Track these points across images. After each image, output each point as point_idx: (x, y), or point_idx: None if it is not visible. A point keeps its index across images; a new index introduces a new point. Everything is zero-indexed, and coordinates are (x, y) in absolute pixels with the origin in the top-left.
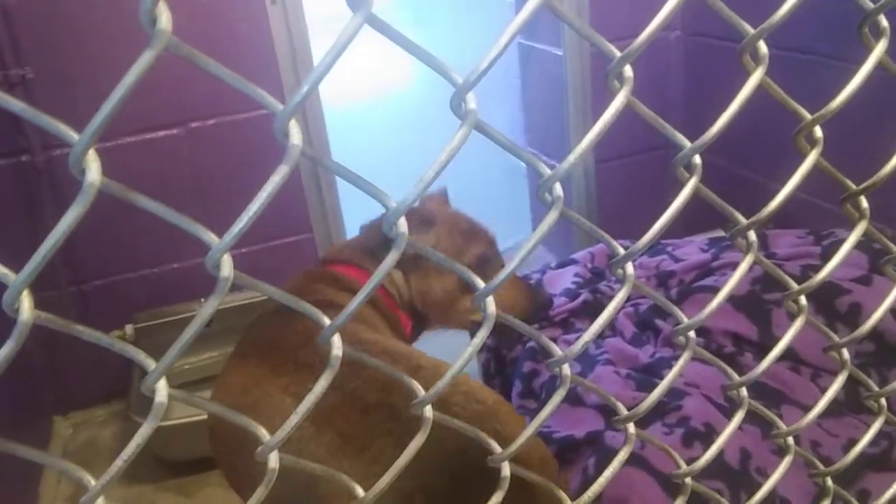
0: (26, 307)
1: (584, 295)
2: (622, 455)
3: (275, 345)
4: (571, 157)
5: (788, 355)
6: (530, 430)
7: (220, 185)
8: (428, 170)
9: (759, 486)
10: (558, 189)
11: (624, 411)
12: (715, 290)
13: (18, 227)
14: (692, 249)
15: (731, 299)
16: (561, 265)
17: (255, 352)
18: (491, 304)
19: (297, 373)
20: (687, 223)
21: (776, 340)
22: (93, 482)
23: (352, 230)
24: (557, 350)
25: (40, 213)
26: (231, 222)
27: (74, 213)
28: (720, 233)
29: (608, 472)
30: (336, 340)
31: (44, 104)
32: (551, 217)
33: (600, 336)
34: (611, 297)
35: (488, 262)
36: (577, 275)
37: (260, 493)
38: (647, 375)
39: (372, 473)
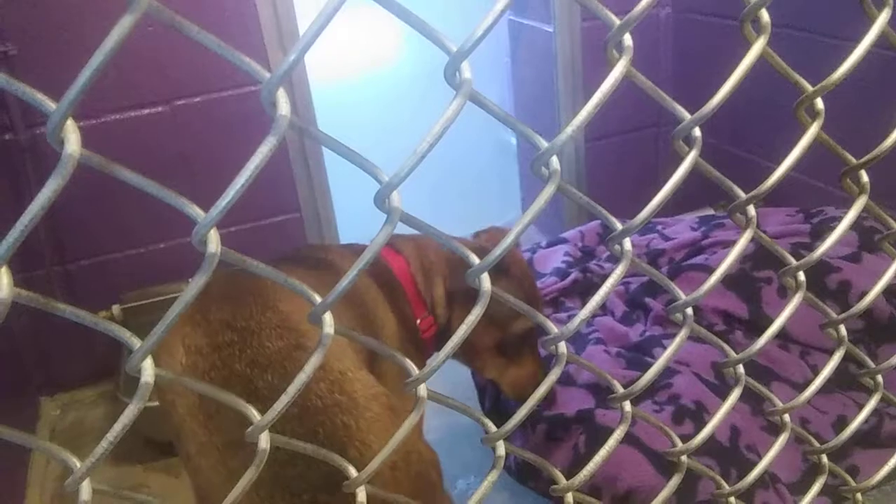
0: (5, 284)
1: (574, 274)
2: (618, 433)
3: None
4: (569, 129)
5: (778, 333)
6: (525, 410)
7: (206, 164)
8: (422, 142)
9: (749, 462)
10: (555, 162)
11: (620, 389)
12: (705, 268)
13: (2, 207)
14: (682, 228)
15: (722, 277)
16: (551, 244)
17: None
18: (486, 281)
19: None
20: (677, 202)
21: (767, 318)
22: (78, 464)
23: (341, 210)
24: (554, 328)
25: (25, 192)
26: (216, 198)
27: (53, 186)
28: (710, 211)
29: (603, 452)
30: (328, 318)
31: (26, 81)
32: (548, 190)
33: (591, 315)
34: (601, 276)
35: (525, 339)
36: (567, 254)
37: (251, 473)
38: (637, 354)
39: None
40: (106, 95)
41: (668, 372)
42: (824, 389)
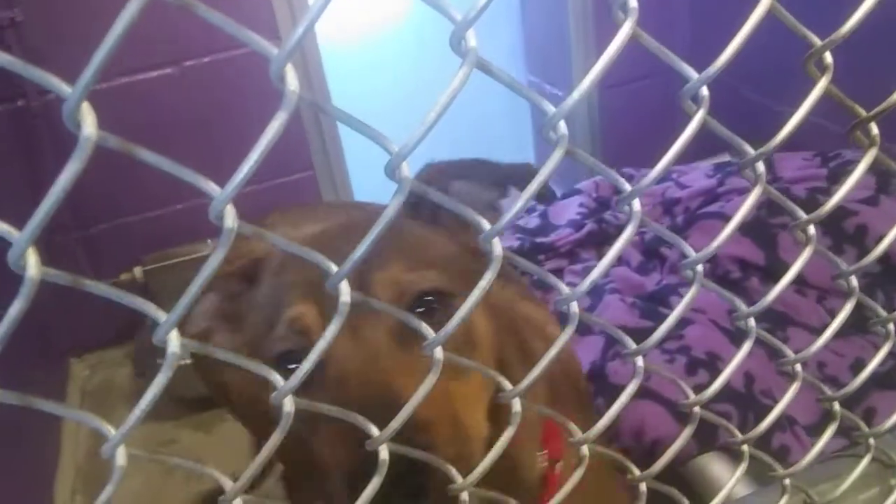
0: (32, 264)
1: (590, 225)
2: (631, 388)
3: None
4: (575, 94)
5: (795, 279)
6: (539, 368)
7: (217, 124)
8: (430, 112)
9: (765, 407)
10: (563, 127)
11: (632, 345)
12: (721, 216)
13: (18, 174)
14: (698, 176)
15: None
16: (565, 196)
17: None
18: (497, 246)
19: None
20: (693, 149)
21: (783, 264)
22: (112, 431)
23: (354, 166)
24: (565, 288)
25: (39, 158)
26: (231, 160)
27: (73, 169)
28: (726, 157)
29: (616, 406)
30: (344, 287)
31: (34, 47)
32: (556, 156)
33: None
34: (617, 227)
35: None
36: (581, 205)
37: (276, 438)
38: (652, 303)
39: None
40: (114, 59)
41: (681, 322)
42: (841, 333)
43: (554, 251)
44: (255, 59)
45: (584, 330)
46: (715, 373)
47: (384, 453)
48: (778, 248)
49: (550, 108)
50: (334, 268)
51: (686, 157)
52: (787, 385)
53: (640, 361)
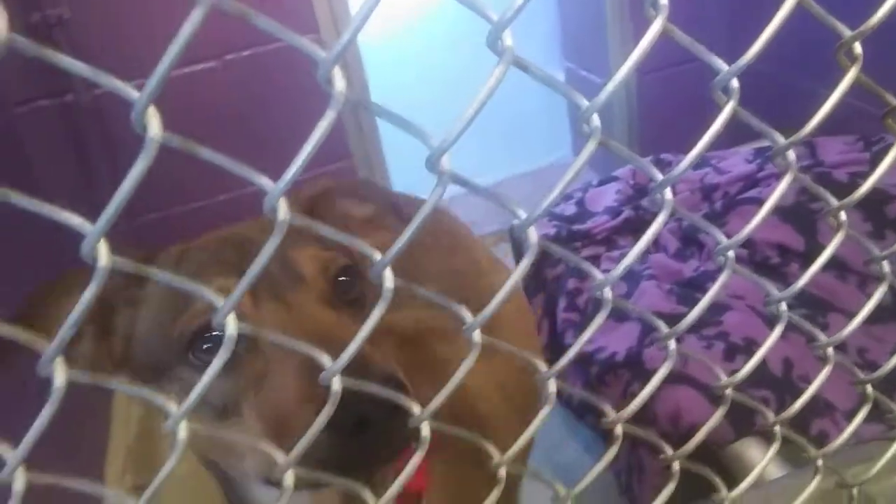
0: (104, 254)
1: (627, 212)
2: (662, 371)
3: None
4: (609, 87)
5: (834, 264)
6: (573, 351)
7: (258, 116)
8: (468, 108)
9: (803, 392)
10: (596, 120)
11: (664, 329)
12: (760, 201)
13: (69, 169)
14: (737, 161)
15: (777, 210)
16: (602, 182)
17: None
18: (533, 234)
19: None
20: (732, 134)
21: (823, 250)
22: (175, 408)
23: (391, 154)
24: (599, 274)
25: (88, 151)
26: (272, 151)
27: (140, 167)
28: (767, 142)
29: (648, 388)
30: (388, 273)
31: (81, 44)
32: (589, 148)
33: (644, 252)
34: (653, 214)
35: None
36: (618, 192)
37: (327, 411)
38: (690, 289)
39: None
40: (158, 52)
41: (719, 308)
42: (881, 319)
43: (590, 238)
44: (295, 53)
45: (620, 317)
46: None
47: (336, 385)
48: (818, 234)
49: (584, 102)
50: (377, 255)
51: (725, 142)
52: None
53: (672, 345)
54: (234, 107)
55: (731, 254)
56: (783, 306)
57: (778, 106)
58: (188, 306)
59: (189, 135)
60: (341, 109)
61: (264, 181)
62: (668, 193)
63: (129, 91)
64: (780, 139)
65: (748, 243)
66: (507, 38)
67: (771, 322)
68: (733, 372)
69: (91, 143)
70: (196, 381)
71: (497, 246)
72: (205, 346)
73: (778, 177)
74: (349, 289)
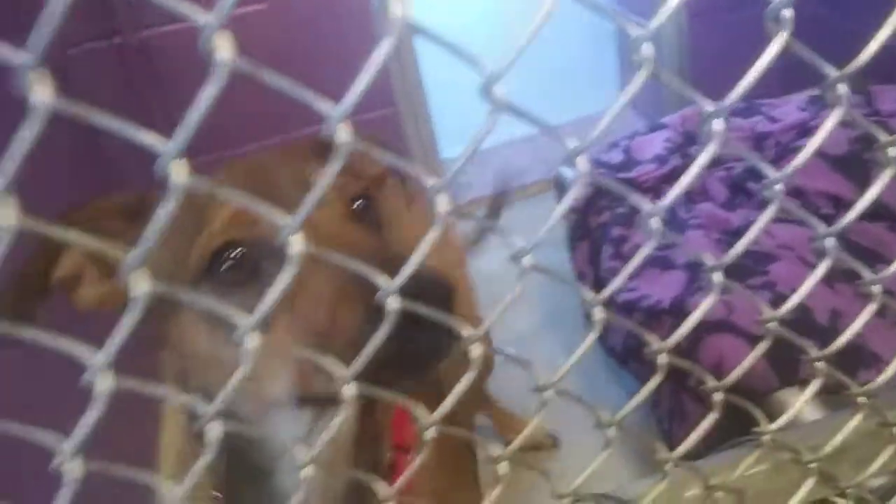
0: (178, 172)
1: (674, 160)
2: (705, 305)
3: None
4: (663, 16)
5: (886, 214)
6: (619, 280)
7: (307, 58)
8: (521, 39)
9: (849, 343)
10: (647, 49)
11: (711, 261)
12: (813, 150)
13: (119, 109)
14: (790, 109)
15: (828, 159)
16: (650, 130)
17: None
18: (583, 163)
19: None
20: (784, 81)
21: (875, 201)
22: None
23: (437, 101)
24: (646, 204)
25: (139, 92)
26: (322, 93)
27: (211, 91)
28: (817, 91)
29: (689, 323)
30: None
31: None
32: (641, 76)
33: (691, 201)
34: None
35: None
36: (667, 140)
37: (384, 329)
38: (738, 239)
39: None
40: None
41: (766, 258)
42: None
43: (637, 187)
44: None
45: (666, 265)
46: (800, 309)
47: (394, 304)
48: (870, 184)
49: (637, 30)
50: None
51: (777, 89)
52: (873, 321)
53: (717, 277)
54: (283, 47)
55: (778, 188)
56: (829, 241)
57: (836, 54)
58: (200, 230)
59: (237, 76)
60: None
61: (324, 106)
62: (716, 124)
63: (198, 14)
64: (832, 72)
65: (798, 192)
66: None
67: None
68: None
69: (140, 84)
70: (216, 299)
71: (541, 196)
72: (225, 265)
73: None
74: (365, 213)
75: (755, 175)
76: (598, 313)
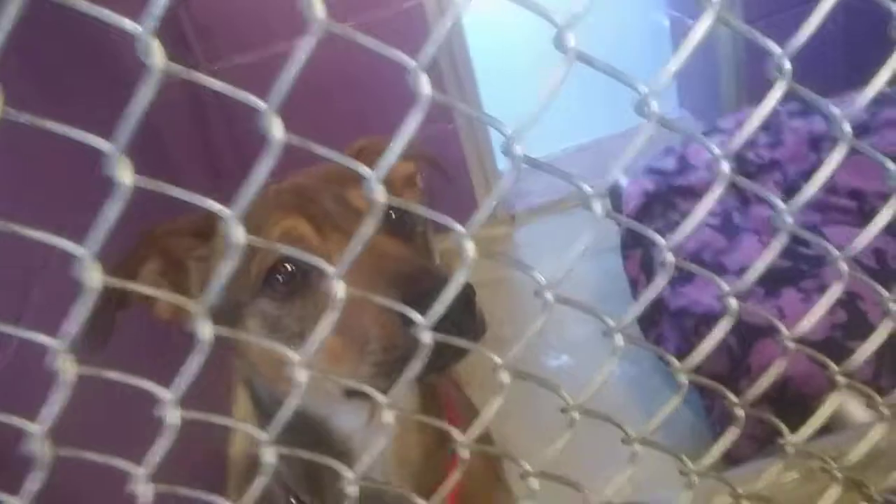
0: (239, 233)
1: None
2: (724, 325)
3: None
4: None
5: None
6: (638, 308)
7: (351, 91)
8: (538, 99)
9: None
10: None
11: (725, 288)
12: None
13: (195, 142)
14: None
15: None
16: (705, 134)
17: None
18: (598, 208)
19: None
20: (844, 79)
21: None
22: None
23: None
24: (660, 240)
25: (212, 124)
26: (362, 126)
27: (267, 165)
28: (886, 89)
29: (710, 341)
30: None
31: (202, 24)
32: (703, 25)
33: (745, 204)
34: (758, 166)
35: None
36: (722, 144)
37: (419, 361)
38: (791, 243)
39: None
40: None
41: (818, 261)
42: None
43: (692, 193)
44: (390, 31)
45: (716, 271)
46: (855, 312)
47: (427, 339)
48: None
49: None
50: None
51: (836, 87)
52: None
53: (733, 304)
54: (328, 83)
55: (788, 219)
56: (843, 265)
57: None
58: (258, 248)
59: (297, 106)
60: (442, 67)
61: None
62: (724, 166)
63: (259, 103)
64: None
65: (857, 194)
66: (571, 40)
67: (881, 276)
68: (834, 326)
69: (212, 116)
70: (274, 310)
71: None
72: (280, 279)
73: (895, 125)
74: (400, 224)
75: (810, 178)
76: (618, 340)
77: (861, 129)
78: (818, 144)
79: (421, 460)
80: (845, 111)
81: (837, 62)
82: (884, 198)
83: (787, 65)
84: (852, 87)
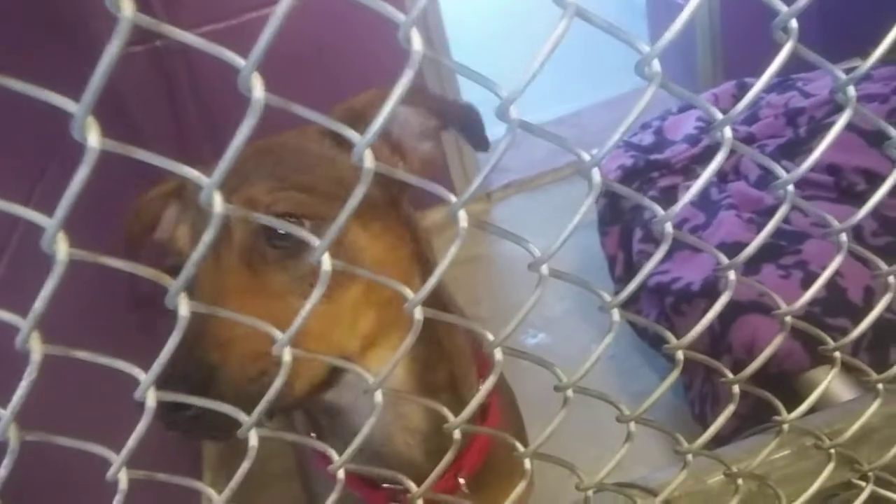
0: (219, 201)
1: (707, 140)
2: (723, 299)
3: None
4: (676, 26)
5: None
6: (634, 284)
7: (333, 58)
8: (533, 61)
9: (884, 320)
10: (656, 65)
11: (725, 260)
12: (848, 126)
13: (162, 111)
14: (825, 83)
15: (864, 134)
16: (682, 109)
17: None
18: (596, 175)
19: None
20: (821, 54)
21: None
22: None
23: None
24: (659, 210)
25: (179, 93)
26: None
27: (247, 129)
28: (857, 62)
29: (706, 318)
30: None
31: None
32: (648, 94)
33: (724, 181)
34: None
35: None
36: (699, 119)
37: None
38: (770, 218)
39: None
40: None
41: (799, 237)
42: None
43: (669, 168)
44: None
45: (697, 247)
46: (834, 288)
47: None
48: None
49: (645, 48)
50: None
51: (811, 64)
52: None
53: (732, 276)
54: (309, 53)
55: (790, 188)
56: (843, 237)
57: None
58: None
59: (273, 72)
60: (425, 72)
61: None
62: (727, 132)
63: (236, 60)
64: (841, 74)
65: (833, 169)
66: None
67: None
68: (813, 301)
69: (181, 85)
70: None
71: (572, 178)
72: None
73: (871, 98)
74: (281, 238)
75: (789, 153)
76: (615, 315)
77: (837, 106)
78: (795, 119)
79: (430, 428)
80: (850, 76)
81: (812, 32)
82: (861, 173)
83: (794, 23)
84: (829, 58)
